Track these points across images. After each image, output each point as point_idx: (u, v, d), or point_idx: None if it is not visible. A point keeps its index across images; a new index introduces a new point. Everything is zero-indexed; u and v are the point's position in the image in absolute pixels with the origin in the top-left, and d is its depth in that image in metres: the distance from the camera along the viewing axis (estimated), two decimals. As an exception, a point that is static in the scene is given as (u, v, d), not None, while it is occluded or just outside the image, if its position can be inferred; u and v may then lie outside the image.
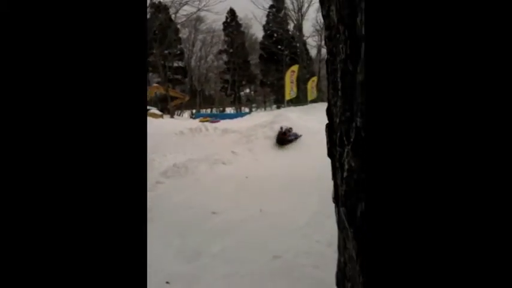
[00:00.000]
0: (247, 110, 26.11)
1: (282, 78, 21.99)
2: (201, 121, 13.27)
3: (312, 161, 6.18)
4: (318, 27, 24.98)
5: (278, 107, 23.04)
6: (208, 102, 29.51)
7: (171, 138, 8.46)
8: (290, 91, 16.94)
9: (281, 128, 7.81)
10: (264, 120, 10.02)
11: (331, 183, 3.31)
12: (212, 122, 13.18)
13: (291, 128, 7.90)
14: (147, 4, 8.93)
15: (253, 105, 27.18)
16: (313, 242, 2.62)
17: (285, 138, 7.55)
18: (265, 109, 25.74)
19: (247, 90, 28.76)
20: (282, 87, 22.08)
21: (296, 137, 7.74)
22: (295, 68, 17.70)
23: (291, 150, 7.33)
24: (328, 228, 2.99)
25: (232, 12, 26.94)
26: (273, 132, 8.41)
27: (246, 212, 3.46)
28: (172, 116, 19.36)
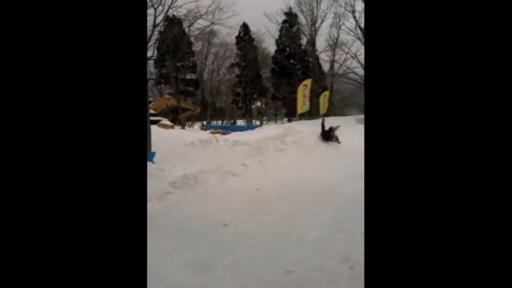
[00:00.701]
0: (258, 122, 26.19)
1: (293, 92, 22.07)
2: (211, 133, 13.33)
3: (324, 174, 6.08)
4: (330, 43, 25.12)
5: (289, 120, 23.04)
6: (220, 114, 29.77)
7: (181, 149, 8.49)
8: (302, 105, 16.93)
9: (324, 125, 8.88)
10: (275, 133, 9.98)
11: (345, 195, 3.25)
12: (223, 133, 13.22)
13: (338, 127, 8.97)
14: (162, 17, 9.11)
15: (264, 118, 27.27)
16: (326, 258, 2.52)
17: (330, 134, 8.66)
18: (276, 122, 25.77)
19: (259, 103, 28.92)
20: (293, 101, 22.12)
21: (337, 139, 8.72)
22: (307, 82, 17.74)
23: (302, 162, 7.24)
24: (342, 243, 2.89)
25: (245, 27, 27.40)
26: (284, 145, 8.36)
27: (257, 224, 3.39)
28: (183, 127, 19.54)
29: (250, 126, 20.22)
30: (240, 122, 27.93)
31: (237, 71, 28.42)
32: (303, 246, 2.80)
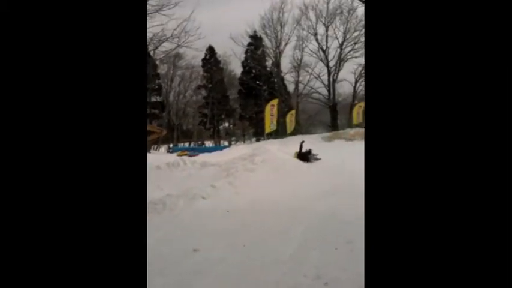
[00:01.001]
0: (226, 143, 26.13)
1: (260, 112, 22.44)
2: (179, 155, 13.06)
3: (294, 192, 6.13)
4: (295, 64, 26.11)
5: (257, 140, 23.25)
6: (187, 136, 29.38)
7: (148, 174, 8.21)
8: (270, 124, 17.22)
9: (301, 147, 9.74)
10: (243, 153, 10.00)
11: (315, 213, 3.27)
12: (190, 155, 13.00)
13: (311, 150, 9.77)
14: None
15: (233, 138, 27.31)
16: (300, 276, 2.50)
17: (307, 156, 9.39)
18: (244, 142, 25.90)
19: (226, 124, 29.00)
20: (261, 121, 22.46)
21: (316, 158, 9.50)
22: (274, 101, 18.17)
23: (272, 182, 7.26)
24: (313, 260, 2.89)
25: (211, 49, 27.77)
26: (253, 165, 8.37)
27: (228, 247, 3.30)
28: (148, 151, 18.99)
29: (218, 147, 20.10)
30: (208, 143, 27.71)
31: (204, 92, 28.49)
32: (276, 267, 2.76)
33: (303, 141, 9.98)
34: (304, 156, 9.38)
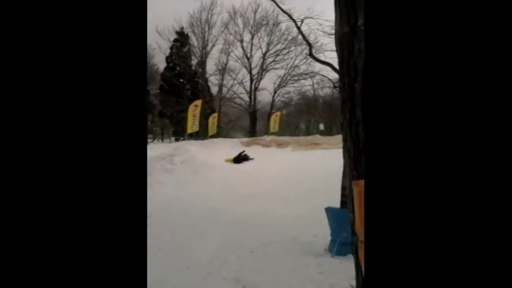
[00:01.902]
0: (142, 140, 24.60)
1: (182, 111, 21.82)
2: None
3: (212, 195, 6.17)
4: (220, 67, 26.21)
5: (177, 139, 22.51)
6: (97, 129, 26.71)
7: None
8: (192, 125, 16.90)
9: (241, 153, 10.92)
10: (162, 152, 9.61)
11: (233, 216, 3.36)
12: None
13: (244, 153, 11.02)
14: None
15: (150, 136, 25.88)
16: (219, 280, 2.56)
17: (240, 159, 10.49)
18: (162, 141, 24.79)
19: (144, 120, 27.34)
20: (181, 120, 21.83)
21: (248, 159, 10.69)
22: (198, 102, 17.89)
23: (188, 184, 7.17)
24: (232, 264, 2.99)
25: (133, 39, 25.91)
26: (172, 165, 8.13)
27: (143, 251, 3.16)
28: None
29: (133, 144, 18.79)
30: (122, 139, 25.67)
31: (120, 83, 26.34)
32: (195, 270, 2.77)
33: (243, 151, 11.20)
34: (239, 159, 10.52)
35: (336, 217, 3.19)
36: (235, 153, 10.81)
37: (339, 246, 3.01)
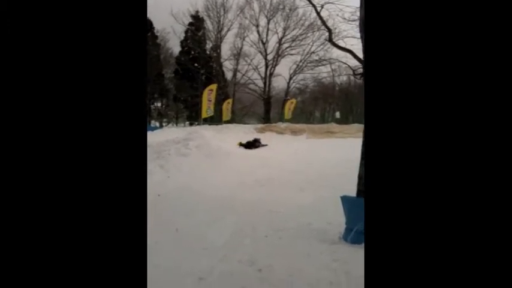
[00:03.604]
0: (157, 124, 24.94)
1: (196, 96, 21.88)
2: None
3: (226, 180, 6.22)
4: (234, 52, 25.99)
5: (191, 124, 22.67)
6: (114, 112, 27.17)
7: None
8: (207, 109, 16.93)
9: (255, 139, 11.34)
10: (176, 137, 9.69)
11: (245, 202, 3.36)
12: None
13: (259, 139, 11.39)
14: None
15: (164, 119, 26.15)
16: (234, 262, 2.61)
17: (255, 144, 10.86)
18: (177, 125, 25.02)
19: (159, 104, 27.60)
20: (195, 105, 21.91)
21: (260, 145, 10.95)
22: (213, 86, 17.85)
23: (203, 168, 7.24)
24: (247, 247, 3.03)
25: (149, 23, 25.93)
26: (187, 150, 8.21)
27: (160, 232, 3.25)
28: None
29: (149, 127, 19.09)
30: (137, 122, 26.05)
31: (136, 67, 26.52)
32: (211, 253, 2.83)
33: (256, 139, 11.37)
34: (251, 144, 10.75)
35: (353, 205, 3.17)
36: (249, 139, 10.91)
37: (355, 235, 3.00)
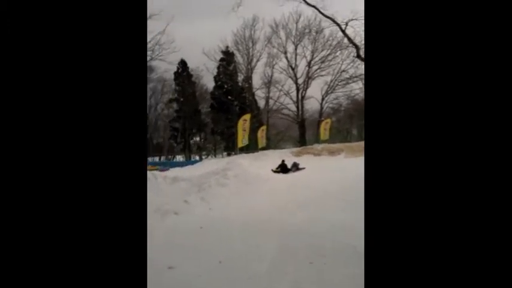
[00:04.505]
0: (197, 157, 25.81)
1: (232, 127, 22.49)
2: (149, 170, 12.71)
3: (266, 206, 6.20)
4: (265, 80, 26.67)
5: (229, 154, 23.18)
6: (157, 150, 28.69)
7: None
8: (242, 139, 17.30)
9: (283, 160, 11.45)
10: (215, 168, 9.94)
11: (288, 226, 3.32)
12: (161, 170, 12.70)
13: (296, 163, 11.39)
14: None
15: (204, 152, 27.02)
16: (278, 291, 2.56)
17: (289, 169, 10.92)
18: (215, 156, 25.70)
19: (198, 138, 28.71)
20: (232, 135, 22.48)
21: (298, 168, 11.03)
22: (247, 116, 18.31)
23: (242, 196, 7.29)
24: (289, 275, 2.96)
25: (183, 63, 27.71)
26: (226, 180, 8.36)
27: (204, 264, 3.29)
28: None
29: (189, 162, 19.80)
30: (179, 158, 27.21)
31: (175, 106, 28.15)
32: (254, 282, 2.80)
33: (283, 160, 11.50)
34: (285, 168, 10.91)
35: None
36: (287, 164, 10.90)
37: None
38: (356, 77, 23.82)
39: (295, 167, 11.03)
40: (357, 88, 25.25)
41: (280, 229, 4.62)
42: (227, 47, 27.03)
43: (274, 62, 26.50)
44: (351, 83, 25.09)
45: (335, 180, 8.19)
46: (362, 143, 16.06)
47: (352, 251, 3.39)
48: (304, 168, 10.88)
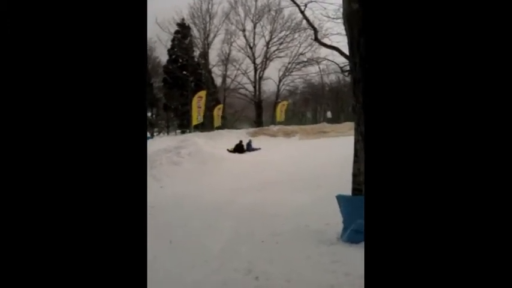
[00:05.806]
0: (148, 134, 24.75)
1: (186, 104, 21.78)
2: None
3: (221, 186, 6.14)
4: (222, 58, 25.98)
5: (183, 132, 22.52)
6: (104, 124, 26.94)
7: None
8: (197, 116, 16.86)
9: (241, 141, 11.18)
10: (168, 145, 9.60)
11: (242, 207, 3.30)
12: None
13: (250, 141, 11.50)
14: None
15: (155, 129, 25.95)
16: (230, 271, 2.53)
17: (243, 149, 10.77)
18: (168, 134, 24.84)
19: (149, 114, 27.39)
20: (186, 112, 21.80)
21: (253, 148, 10.93)
22: (202, 93, 17.79)
23: (196, 176, 7.15)
24: (244, 254, 2.95)
25: (134, 33, 25.77)
26: (179, 158, 8.11)
27: (154, 245, 3.14)
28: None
29: (140, 138, 18.87)
30: (128, 134, 25.85)
31: (124, 78, 26.38)
32: (206, 262, 2.74)
33: (241, 141, 11.31)
34: (241, 148, 10.73)
35: (349, 204, 3.12)
36: (239, 144, 10.94)
37: (352, 234, 2.95)
38: (313, 59, 24.23)
39: (250, 146, 11.10)
40: (314, 72, 25.77)
41: (235, 209, 4.60)
42: (183, 19, 25.60)
43: (232, 40, 25.85)
44: (307, 65, 25.50)
45: (291, 161, 8.37)
46: (315, 126, 16.62)
47: (305, 230, 3.49)
48: (259, 148, 10.97)
